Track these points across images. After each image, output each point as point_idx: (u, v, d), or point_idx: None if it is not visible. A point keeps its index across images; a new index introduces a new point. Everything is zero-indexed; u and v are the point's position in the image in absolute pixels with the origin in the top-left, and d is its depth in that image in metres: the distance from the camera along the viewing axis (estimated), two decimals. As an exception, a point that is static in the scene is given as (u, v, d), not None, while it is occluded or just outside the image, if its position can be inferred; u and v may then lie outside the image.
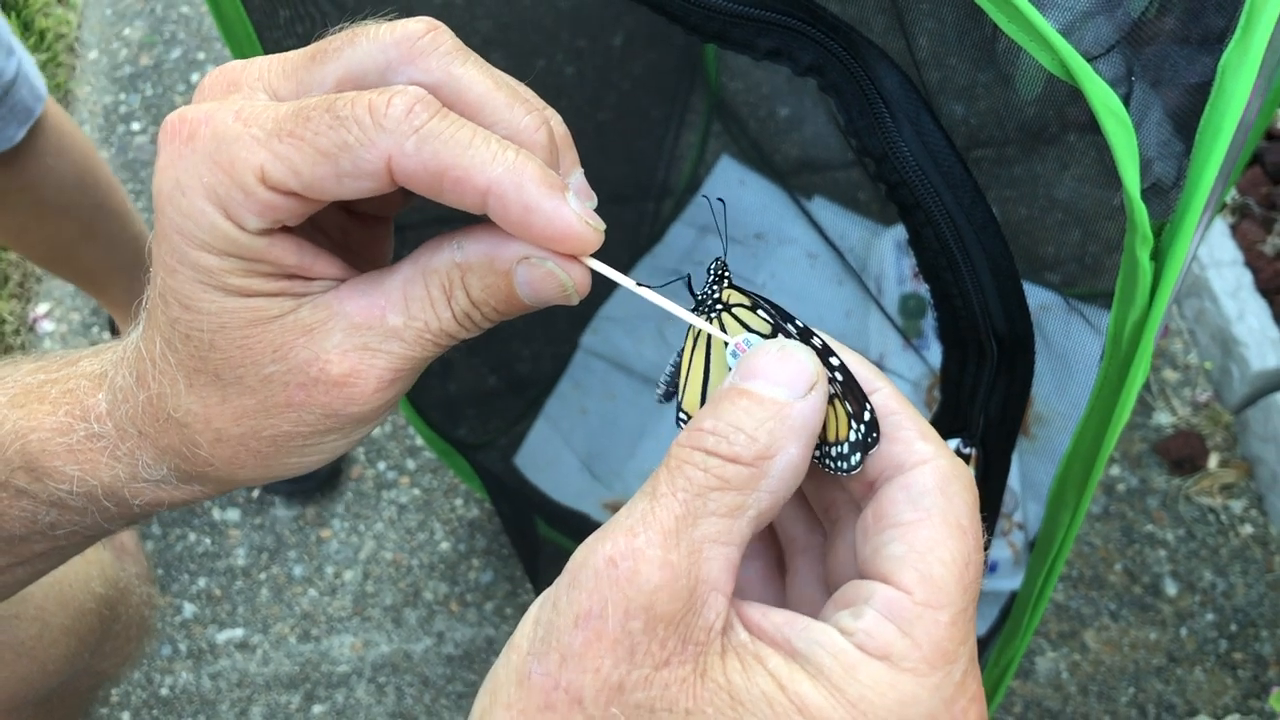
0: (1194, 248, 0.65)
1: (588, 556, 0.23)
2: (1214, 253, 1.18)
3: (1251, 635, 1.02)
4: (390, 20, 0.28)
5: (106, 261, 0.99)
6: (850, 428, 0.27)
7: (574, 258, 0.27)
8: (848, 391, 0.27)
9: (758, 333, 0.29)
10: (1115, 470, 1.11)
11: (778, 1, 0.42)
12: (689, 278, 0.31)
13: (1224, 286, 1.15)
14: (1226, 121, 0.38)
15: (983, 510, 0.62)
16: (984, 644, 0.75)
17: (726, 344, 0.29)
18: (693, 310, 0.30)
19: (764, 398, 0.25)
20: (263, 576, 1.11)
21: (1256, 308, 1.13)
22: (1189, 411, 1.13)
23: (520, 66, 1.03)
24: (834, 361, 0.27)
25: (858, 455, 0.27)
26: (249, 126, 0.25)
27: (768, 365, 0.26)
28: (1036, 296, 0.97)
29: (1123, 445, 1.12)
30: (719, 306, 0.30)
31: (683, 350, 0.30)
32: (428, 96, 0.26)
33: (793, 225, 1.14)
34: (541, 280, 0.27)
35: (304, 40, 0.68)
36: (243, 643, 1.08)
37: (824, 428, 0.27)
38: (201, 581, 1.11)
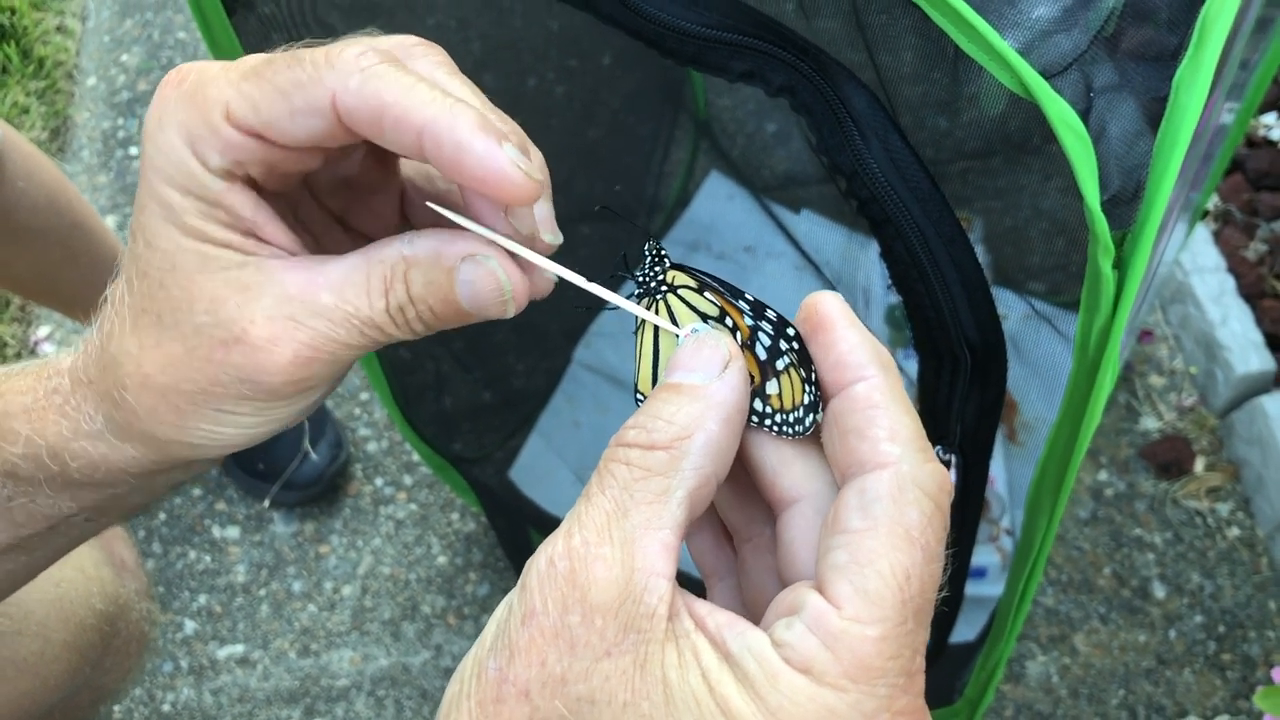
0: (1163, 249, 0.66)
1: (534, 560, 0.25)
2: (1197, 259, 1.19)
3: (1239, 636, 1.03)
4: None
5: (90, 282, 1.00)
6: (804, 391, 0.28)
7: (516, 260, 0.27)
8: (802, 359, 0.28)
9: (704, 314, 0.30)
10: (1103, 475, 1.12)
11: (750, 26, 0.43)
12: (624, 256, 0.31)
13: (1207, 292, 1.17)
14: (1182, 134, 0.40)
15: (963, 515, 0.63)
16: (974, 649, 0.76)
17: (678, 336, 0.29)
18: (636, 293, 0.31)
19: (682, 385, 0.26)
20: (262, 593, 1.13)
21: (1239, 312, 1.15)
22: (1175, 416, 1.15)
23: (512, 86, 1.04)
24: (790, 332, 0.28)
25: (811, 416, 0.27)
26: (228, 72, 0.27)
27: (684, 356, 0.27)
28: (1021, 306, 0.98)
29: (1110, 450, 1.14)
30: (664, 289, 0.30)
31: (638, 334, 0.31)
32: (383, 49, 0.26)
33: (781, 239, 1.16)
34: (482, 280, 0.27)
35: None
36: (243, 658, 1.09)
37: (781, 397, 0.28)
38: (202, 598, 1.12)
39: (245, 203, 0.28)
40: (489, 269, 0.27)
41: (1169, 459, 1.12)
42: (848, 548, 0.24)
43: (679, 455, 0.25)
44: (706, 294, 0.30)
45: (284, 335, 0.27)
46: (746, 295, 0.29)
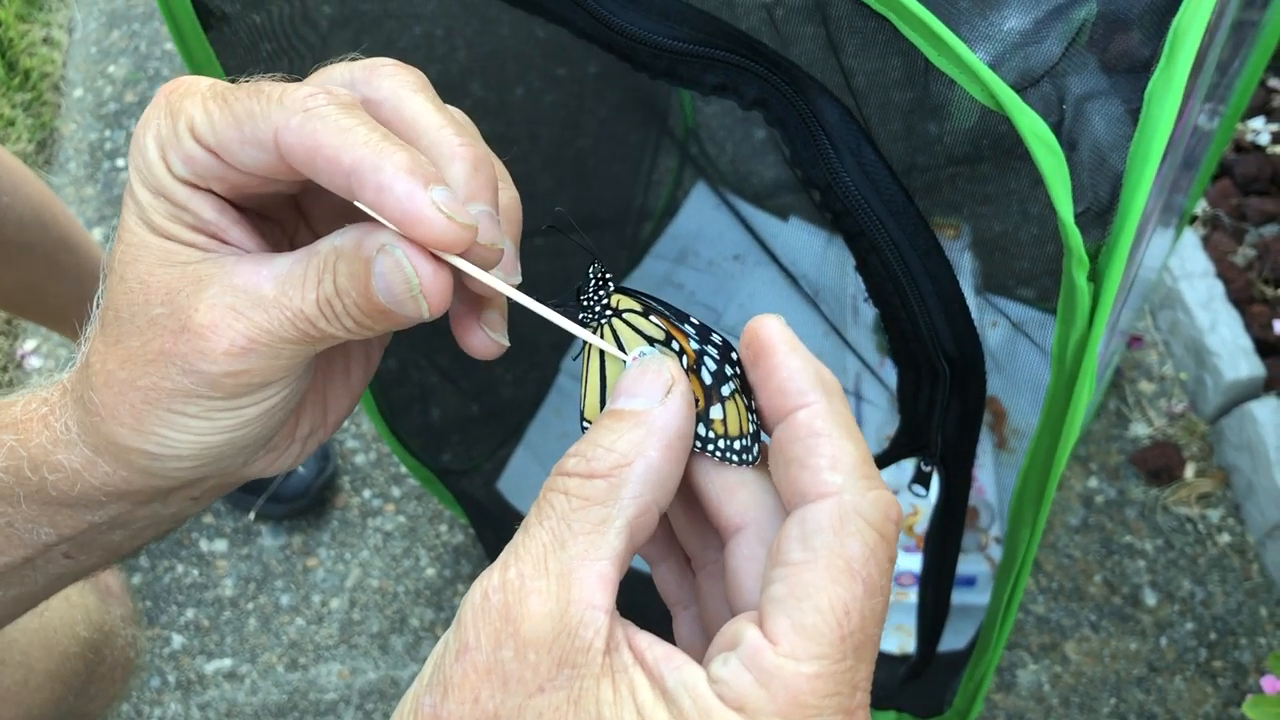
0: (1138, 263, 0.66)
1: (469, 595, 0.24)
2: (1186, 264, 1.19)
3: (1231, 643, 1.03)
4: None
5: (76, 297, 1.00)
6: (750, 419, 0.27)
7: (429, 253, 0.26)
8: (746, 386, 0.27)
9: (650, 338, 0.29)
10: (1093, 482, 1.12)
11: (723, 40, 0.43)
12: (577, 288, 0.31)
13: (1196, 298, 1.17)
14: (1154, 145, 0.40)
15: (947, 525, 0.63)
16: (963, 658, 0.76)
17: (624, 362, 0.29)
18: (579, 317, 0.30)
19: (624, 411, 0.26)
20: (250, 606, 1.12)
21: (1229, 318, 1.15)
22: (1165, 422, 1.15)
23: (499, 95, 1.04)
24: (734, 357, 0.28)
25: (756, 446, 0.27)
26: (206, 90, 0.27)
27: (627, 382, 0.27)
28: (1012, 312, 0.98)
29: (1100, 457, 1.14)
30: (608, 313, 0.30)
31: (584, 360, 0.31)
32: (335, 90, 0.27)
33: (769, 247, 1.16)
34: (391, 271, 0.26)
35: (286, 76, 0.70)
36: (231, 673, 1.09)
37: (726, 423, 0.27)
38: (189, 613, 1.12)
39: (208, 207, 0.28)
40: (395, 259, 0.26)
41: (1159, 465, 1.11)
42: (787, 580, 0.24)
43: (618, 484, 0.25)
44: (652, 317, 0.29)
45: (222, 323, 0.27)
46: (692, 319, 0.29)
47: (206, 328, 0.27)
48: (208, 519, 1.16)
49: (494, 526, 1.00)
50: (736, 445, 0.27)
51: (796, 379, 0.26)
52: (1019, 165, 1.06)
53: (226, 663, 1.09)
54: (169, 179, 0.27)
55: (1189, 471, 1.12)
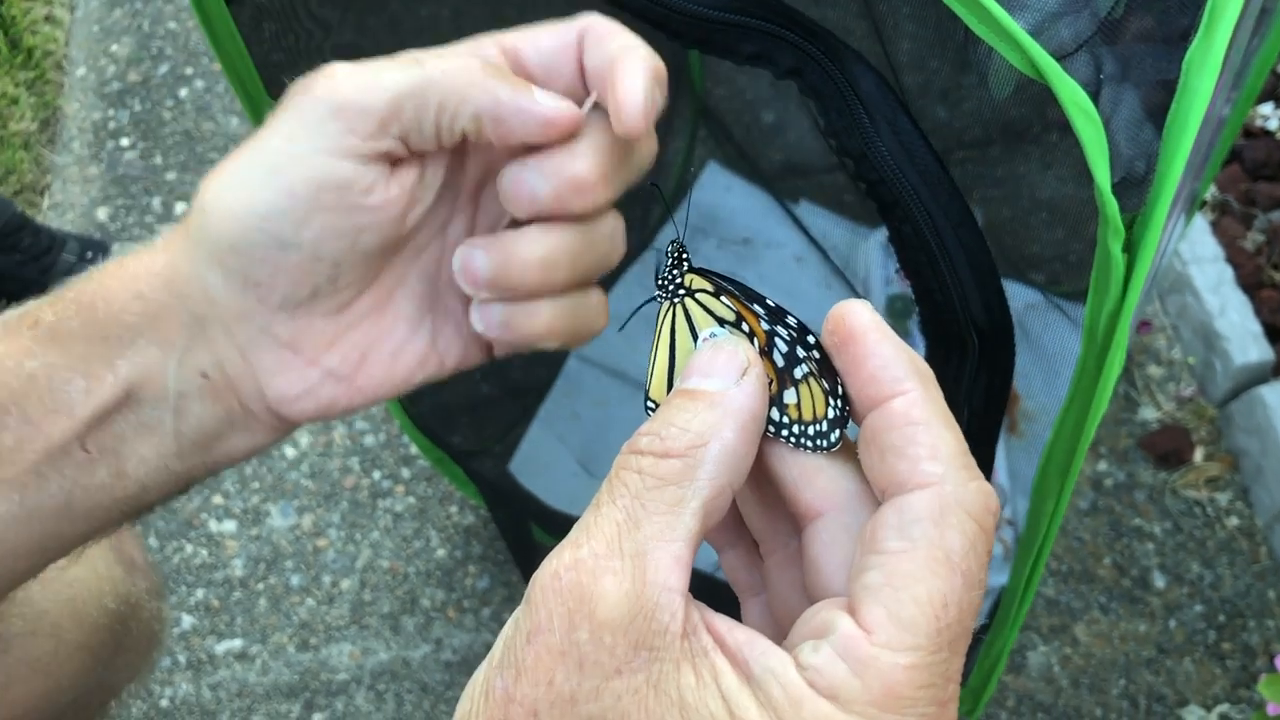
0: (1168, 240, 0.66)
1: (539, 574, 0.24)
2: (1195, 249, 1.19)
3: (1239, 625, 1.03)
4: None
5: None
6: (828, 404, 0.27)
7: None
8: (823, 369, 0.27)
9: (721, 319, 0.29)
10: (1102, 465, 1.12)
11: (757, 8, 0.43)
12: (662, 252, 0.31)
13: (1205, 282, 1.17)
14: (1193, 116, 0.40)
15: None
16: (977, 639, 0.76)
17: (694, 343, 0.29)
18: (656, 294, 0.30)
19: (697, 391, 0.25)
20: (260, 587, 1.12)
21: (1237, 303, 1.15)
22: (1174, 406, 1.15)
23: (508, 77, 1.03)
24: (810, 340, 0.27)
25: (836, 432, 0.26)
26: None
27: (701, 361, 0.26)
28: (1022, 296, 0.98)
29: (1109, 441, 1.14)
30: (682, 291, 0.30)
31: (654, 340, 0.30)
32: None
33: (780, 229, 1.16)
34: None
35: (291, 54, 0.70)
36: (242, 653, 1.09)
37: (800, 408, 0.27)
38: (200, 593, 1.12)
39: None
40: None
41: (1168, 449, 1.12)
42: (883, 569, 0.23)
43: (694, 464, 0.24)
44: (723, 298, 0.29)
45: (336, 66, 0.32)
46: (767, 300, 0.28)
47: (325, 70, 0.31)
48: (216, 500, 1.16)
49: (507, 507, 1.00)
50: (810, 430, 0.27)
51: (892, 367, 0.25)
52: (1029, 149, 1.06)
53: (237, 643, 1.09)
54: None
55: (1198, 455, 1.12)
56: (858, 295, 1.07)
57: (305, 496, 1.16)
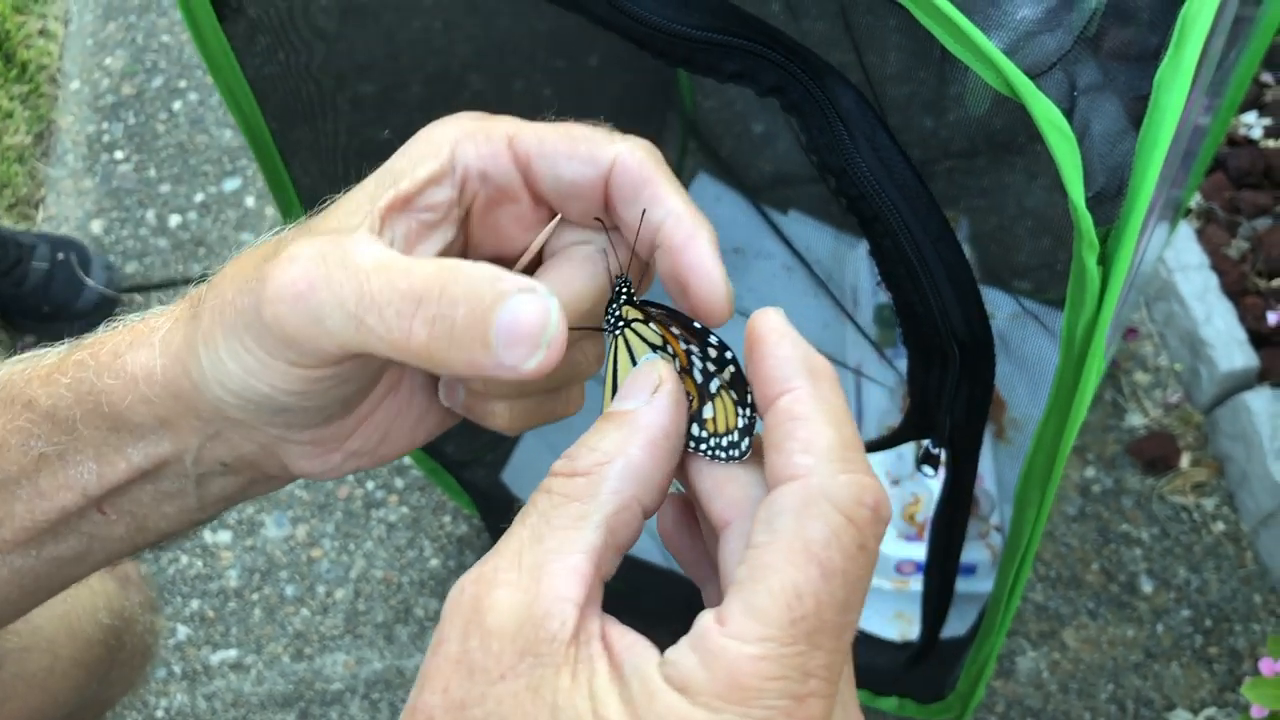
0: (1146, 249, 0.67)
1: (450, 591, 0.25)
2: (1180, 256, 1.20)
3: (1226, 630, 1.04)
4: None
5: None
6: (738, 414, 0.27)
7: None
8: (735, 381, 0.28)
9: (650, 344, 0.30)
10: (1090, 472, 1.13)
11: (739, 27, 0.44)
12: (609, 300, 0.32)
13: (1191, 290, 1.18)
14: (1163, 133, 0.41)
15: (953, 510, 0.64)
16: (965, 645, 0.77)
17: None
18: (604, 328, 0.31)
19: (613, 413, 0.26)
20: (255, 597, 1.13)
21: (1223, 310, 1.16)
22: (1160, 413, 1.16)
23: (499, 88, 1.04)
24: (728, 356, 0.28)
25: (746, 440, 0.27)
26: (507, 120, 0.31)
27: (624, 387, 0.27)
28: (1008, 305, 0.99)
29: (1097, 447, 1.15)
30: (621, 324, 0.31)
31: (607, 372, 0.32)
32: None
33: (769, 239, 1.17)
34: (531, 307, 0.25)
35: (285, 67, 0.70)
36: (237, 663, 1.09)
37: (715, 421, 0.28)
38: (194, 604, 1.12)
39: (442, 196, 0.29)
40: (544, 301, 0.25)
41: (1155, 455, 1.13)
42: (749, 562, 0.23)
43: (598, 480, 0.25)
44: (651, 324, 0.30)
45: (302, 259, 0.26)
46: (694, 323, 0.29)
47: (289, 258, 0.26)
48: (211, 510, 1.17)
49: (501, 517, 1.01)
50: (725, 441, 0.27)
51: (783, 365, 0.25)
52: (1015, 159, 1.07)
53: (232, 653, 1.10)
54: (440, 160, 0.29)
55: (1184, 461, 1.13)
56: (845, 304, 1.08)
57: (299, 507, 1.16)
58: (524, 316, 0.25)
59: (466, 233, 0.31)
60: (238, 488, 0.34)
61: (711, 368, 0.29)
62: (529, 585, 0.24)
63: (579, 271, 0.31)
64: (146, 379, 0.30)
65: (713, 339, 0.29)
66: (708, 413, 0.28)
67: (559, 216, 0.31)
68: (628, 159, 0.29)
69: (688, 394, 0.28)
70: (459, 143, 0.29)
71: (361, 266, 0.26)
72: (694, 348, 0.29)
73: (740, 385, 0.28)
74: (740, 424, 0.27)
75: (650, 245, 0.30)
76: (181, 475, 0.32)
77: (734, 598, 0.23)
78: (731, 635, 0.22)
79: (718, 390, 0.28)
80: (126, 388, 0.30)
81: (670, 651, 0.23)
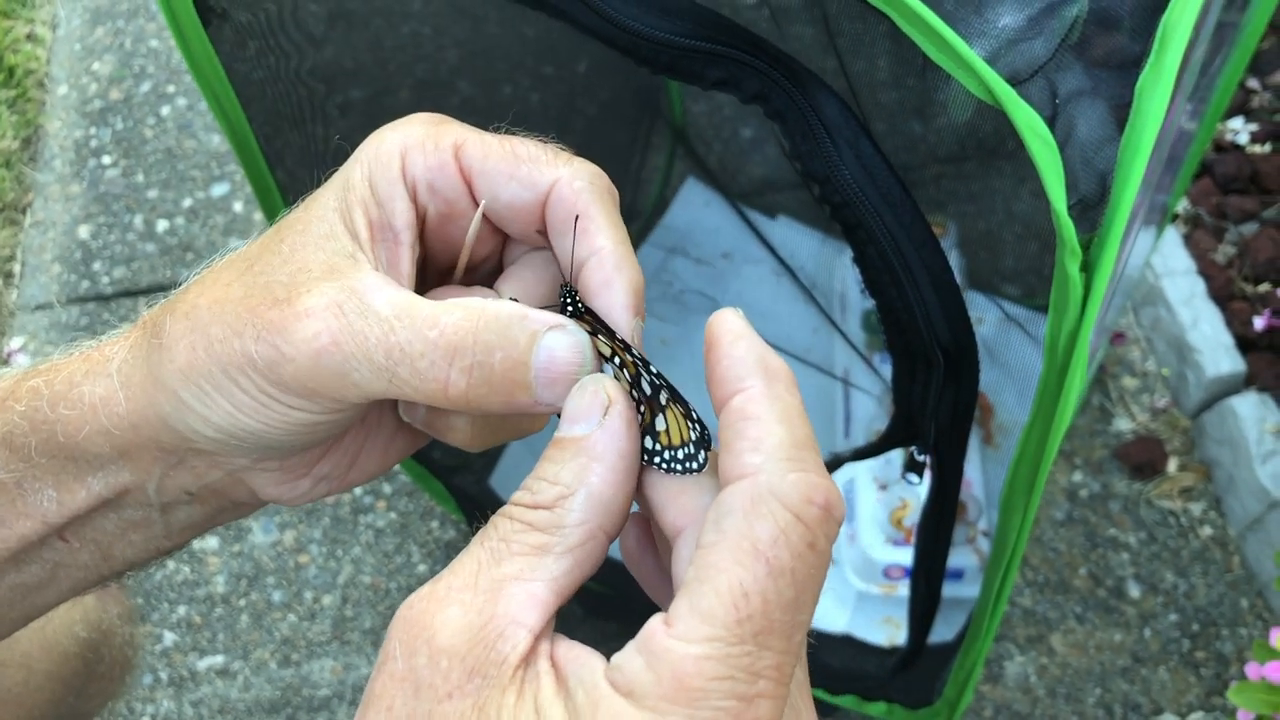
0: (1130, 254, 0.67)
1: (398, 608, 0.24)
2: (1168, 262, 1.21)
3: (1213, 634, 1.05)
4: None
5: None
6: (690, 426, 0.27)
7: None
8: (675, 393, 0.27)
9: (603, 355, 0.29)
10: (1077, 476, 1.14)
11: (723, 34, 0.44)
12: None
13: (1178, 295, 1.18)
14: (1144, 140, 0.41)
15: (939, 515, 0.64)
16: (953, 650, 0.77)
17: None
18: None
19: (565, 439, 0.26)
20: (242, 603, 1.12)
21: (1210, 315, 1.16)
22: (1148, 417, 1.16)
23: (487, 94, 1.04)
24: (653, 369, 0.28)
25: (703, 453, 0.26)
26: (464, 127, 0.30)
27: (570, 407, 0.27)
28: (996, 310, 0.99)
29: (1084, 452, 1.15)
30: None
31: None
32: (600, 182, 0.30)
33: (758, 244, 1.17)
34: (566, 344, 0.27)
35: (273, 73, 0.70)
36: (224, 669, 1.09)
37: (668, 433, 0.27)
38: (181, 610, 1.12)
39: (404, 214, 0.29)
40: (577, 337, 0.27)
41: (1142, 460, 1.13)
42: (696, 563, 0.23)
43: (563, 513, 0.25)
44: (600, 337, 0.29)
45: (322, 313, 0.26)
46: (616, 337, 0.29)
47: (305, 311, 0.26)
48: (198, 516, 1.16)
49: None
50: (680, 454, 0.27)
51: (736, 366, 0.25)
52: (1003, 165, 1.07)
53: (219, 659, 1.09)
54: (396, 174, 0.28)
55: (1171, 466, 1.13)
56: (833, 309, 1.08)
57: (287, 512, 1.16)
58: (560, 355, 0.26)
59: (423, 244, 0.31)
60: (204, 516, 0.33)
61: (659, 381, 0.28)
62: (484, 606, 0.23)
63: (542, 276, 0.31)
64: (106, 410, 0.29)
65: (634, 353, 0.28)
66: (660, 425, 0.27)
67: (482, 204, 0.30)
68: (564, 189, 0.29)
69: (639, 407, 0.28)
70: (408, 153, 0.29)
71: (383, 316, 0.26)
72: (631, 356, 0.28)
73: (681, 400, 0.27)
74: (694, 435, 0.27)
75: None
76: (144, 504, 0.32)
77: (681, 599, 0.23)
78: (677, 636, 0.22)
79: (667, 402, 0.27)
80: (83, 418, 0.29)
81: (617, 656, 0.23)
